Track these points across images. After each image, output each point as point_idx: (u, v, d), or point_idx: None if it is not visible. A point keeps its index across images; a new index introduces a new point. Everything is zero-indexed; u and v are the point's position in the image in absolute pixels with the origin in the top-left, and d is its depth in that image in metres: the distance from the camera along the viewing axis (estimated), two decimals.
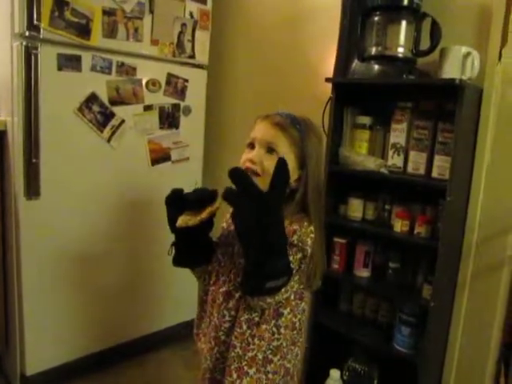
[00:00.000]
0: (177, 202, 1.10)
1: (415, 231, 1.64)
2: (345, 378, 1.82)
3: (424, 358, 1.59)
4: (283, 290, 1.04)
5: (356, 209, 1.80)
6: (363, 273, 1.81)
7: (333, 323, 1.87)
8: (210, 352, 1.17)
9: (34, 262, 1.88)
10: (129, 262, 2.22)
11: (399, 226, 1.67)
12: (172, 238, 1.16)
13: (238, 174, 0.90)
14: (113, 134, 2.02)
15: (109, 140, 2.01)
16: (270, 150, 1.10)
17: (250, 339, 1.10)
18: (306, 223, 1.08)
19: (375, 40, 1.65)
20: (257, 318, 1.10)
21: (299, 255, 1.04)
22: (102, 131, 1.99)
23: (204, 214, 1.03)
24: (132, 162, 2.12)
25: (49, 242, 1.92)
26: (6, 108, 1.83)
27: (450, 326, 1.73)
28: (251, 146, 1.13)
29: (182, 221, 1.06)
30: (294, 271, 1.02)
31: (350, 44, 1.72)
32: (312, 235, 1.07)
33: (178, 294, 2.43)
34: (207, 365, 1.18)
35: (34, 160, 1.78)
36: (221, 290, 1.15)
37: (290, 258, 1.01)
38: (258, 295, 0.99)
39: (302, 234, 1.05)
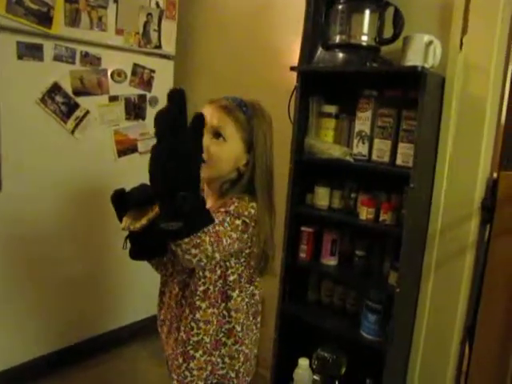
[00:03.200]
0: (121, 201, 1.08)
1: (380, 218, 1.65)
2: (314, 366, 1.83)
3: (390, 345, 1.60)
4: (229, 271, 1.09)
5: (322, 197, 1.81)
6: (330, 261, 1.82)
7: (301, 312, 1.87)
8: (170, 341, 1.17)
9: None
10: (93, 255, 2.19)
11: (365, 213, 1.68)
12: None
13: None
14: (77, 125, 1.99)
15: (73, 131, 1.98)
16: (217, 134, 1.09)
17: (192, 324, 1.11)
18: (246, 198, 1.09)
19: (339, 28, 1.65)
20: (198, 302, 1.10)
21: (238, 221, 1.03)
22: (65, 122, 1.95)
23: (144, 220, 1.00)
24: (98, 153, 2.09)
25: (10, 235, 1.88)
26: None
27: (415, 312, 1.75)
28: None
29: (125, 223, 1.04)
30: (229, 241, 0.99)
31: (315, 33, 1.72)
32: (252, 209, 1.07)
33: (145, 288, 2.39)
34: (168, 353, 1.19)
35: None
36: (175, 279, 1.16)
37: (226, 225, 1.00)
38: (162, 238, 0.95)
39: (241, 205, 1.05)
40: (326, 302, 1.91)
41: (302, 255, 1.85)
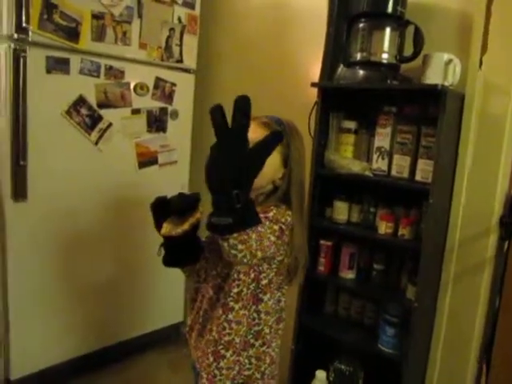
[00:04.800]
0: (161, 208, 1.14)
1: (399, 233, 1.67)
2: (331, 378, 1.84)
3: (408, 358, 1.61)
4: (262, 276, 1.14)
5: (341, 212, 1.83)
6: (348, 274, 1.84)
7: (318, 325, 1.89)
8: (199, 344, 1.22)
9: (20, 264, 1.89)
10: (116, 264, 2.22)
11: (383, 228, 1.70)
12: (160, 239, 1.18)
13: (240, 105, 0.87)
14: (100, 137, 2.03)
15: (96, 143, 2.02)
16: None
17: (225, 324, 1.15)
18: (283, 206, 1.15)
19: (360, 46, 1.69)
20: (232, 303, 1.14)
21: (276, 227, 1.08)
22: (89, 134, 2.00)
23: (186, 226, 1.06)
24: (119, 164, 2.13)
25: (35, 244, 1.92)
26: None
27: (433, 326, 1.76)
28: None
29: (166, 229, 1.10)
30: (267, 242, 1.03)
31: (336, 50, 1.76)
32: (289, 217, 1.12)
33: (165, 297, 2.44)
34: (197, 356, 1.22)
35: (21, 162, 1.79)
36: (210, 284, 1.20)
37: (266, 228, 1.04)
38: (212, 231, 0.95)
39: (278, 212, 1.11)
40: (344, 314, 1.93)
41: (321, 268, 1.87)
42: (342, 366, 1.85)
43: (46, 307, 2.00)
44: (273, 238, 1.06)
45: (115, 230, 2.18)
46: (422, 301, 1.61)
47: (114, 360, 2.27)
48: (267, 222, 1.07)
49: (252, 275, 1.15)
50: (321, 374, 1.82)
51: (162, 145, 2.27)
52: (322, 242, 1.88)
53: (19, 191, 1.81)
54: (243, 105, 0.85)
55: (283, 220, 1.11)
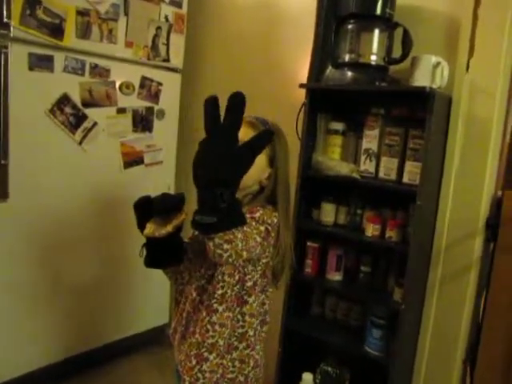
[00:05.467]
0: (145, 208, 1.11)
1: (386, 235, 1.67)
2: (317, 381, 1.83)
3: (395, 360, 1.61)
4: (247, 277, 1.13)
5: (328, 214, 1.82)
6: (335, 276, 1.83)
7: (305, 327, 1.88)
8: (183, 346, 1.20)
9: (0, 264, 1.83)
10: (99, 266, 2.19)
11: (370, 230, 1.70)
12: (143, 239, 1.15)
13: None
14: (85, 136, 2.00)
15: (80, 142, 1.99)
16: None
17: (208, 326, 1.14)
18: (269, 207, 1.15)
19: (349, 47, 1.69)
20: (216, 305, 1.13)
21: (262, 227, 1.07)
22: (73, 133, 1.96)
23: (169, 227, 1.04)
24: (104, 165, 2.10)
25: (15, 244, 1.88)
26: None
27: (419, 328, 1.76)
28: None
29: (149, 230, 1.07)
30: (253, 243, 1.02)
31: (324, 51, 1.75)
32: (275, 218, 1.12)
33: (150, 299, 2.41)
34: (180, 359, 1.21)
35: (2, 161, 1.74)
36: (193, 285, 1.18)
37: (252, 228, 1.04)
38: (196, 229, 0.93)
39: (265, 213, 1.11)
40: (330, 316, 1.93)
41: (308, 270, 1.86)
42: (329, 368, 1.84)
43: (27, 309, 1.96)
44: (259, 239, 1.05)
45: (99, 231, 2.14)
46: (409, 303, 1.61)
47: (99, 363, 2.24)
48: (253, 223, 1.06)
49: (237, 277, 1.14)
50: (307, 377, 1.82)
51: (147, 145, 2.24)
52: (308, 243, 1.87)
53: (0, 191, 1.77)
54: (238, 102, 0.84)
55: (269, 221, 1.10)
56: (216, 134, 0.85)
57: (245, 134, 1.14)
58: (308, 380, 1.81)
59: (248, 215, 1.08)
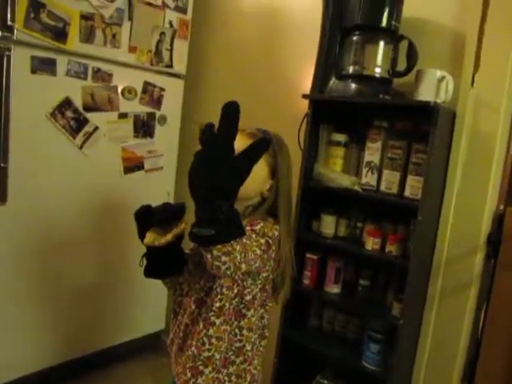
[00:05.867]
0: (145, 217, 1.10)
1: (386, 249, 1.66)
2: None
3: (392, 376, 1.60)
4: (246, 291, 1.12)
5: (328, 226, 1.81)
6: (334, 289, 1.82)
7: (302, 338, 1.86)
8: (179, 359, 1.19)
9: None
10: (97, 271, 2.18)
11: (370, 243, 1.68)
12: (143, 248, 1.14)
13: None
14: (85, 140, 1.99)
15: (81, 147, 1.98)
16: None
17: (205, 339, 1.12)
18: (270, 220, 1.14)
19: (353, 59, 1.68)
20: (213, 318, 1.12)
21: (262, 240, 1.06)
22: (74, 138, 1.95)
23: (169, 236, 1.03)
24: (105, 170, 2.09)
25: (12, 248, 1.86)
26: None
27: (417, 343, 1.74)
28: None
29: (149, 239, 1.06)
30: (252, 255, 1.01)
31: (328, 62, 1.74)
32: (276, 231, 1.11)
33: (146, 305, 2.39)
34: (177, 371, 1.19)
35: (1, 164, 1.74)
36: (193, 297, 1.17)
37: (252, 241, 1.03)
38: (194, 241, 0.92)
39: (266, 226, 1.10)
40: (328, 329, 1.91)
41: (306, 282, 1.85)
42: (325, 381, 1.83)
43: (24, 313, 1.95)
44: (258, 252, 1.04)
45: (98, 236, 2.13)
46: (408, 318, 1.60)
47: (94, 368, 2.23)
48: (254, 235, 1.05)
49: (235, 290, 1.12)
50: None
51: (148, 150, 2.23)
52: (308, 255, 1.85)
53: None
54: (231, 112, 0.82)
55: (270, 234, 1.09)
56: (211, 144, 0.83)
57: (246, 144, 1.14)
58: None
59: (248, 228, 1.07)
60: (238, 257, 0.93)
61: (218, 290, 1.12)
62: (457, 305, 1.66)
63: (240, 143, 1.11)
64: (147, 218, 1.09)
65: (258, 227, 1.08)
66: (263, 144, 0.90)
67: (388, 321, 1.66)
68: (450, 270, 1.67)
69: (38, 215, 1.90)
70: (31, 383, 2.01)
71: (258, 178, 1.14)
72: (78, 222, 2.04)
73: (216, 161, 0.83)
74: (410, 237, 1.64)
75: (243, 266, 0.97)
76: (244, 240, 0.98)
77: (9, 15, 1.65)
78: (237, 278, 1.10)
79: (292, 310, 1.86)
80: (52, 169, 1.91)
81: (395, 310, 1.65)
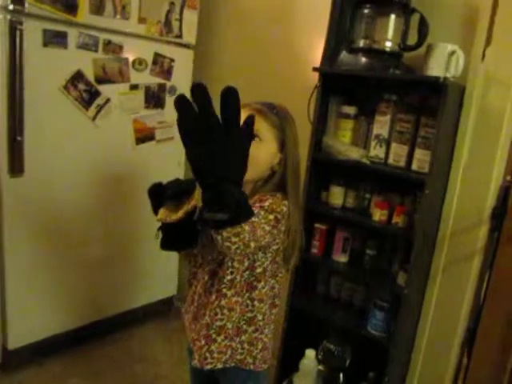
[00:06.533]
0: (157, 193, 1.13)
1: (393, 221, 1.70)
2: (319, 357, 1.90)
3: (395, 342, 1.67)
4: (257, 264, 1.15)
5: (337, 196, 1.85)
6: (341, 258, 1.88)
7: (309, 305, 1.94)
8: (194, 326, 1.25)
9: (17, 237, 1.90)
10: (110, 239, 2.24)
11: (378, 215, 1.73)
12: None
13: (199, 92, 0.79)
14: (98, 112, 2.01)
15: (94, 118, 2.01)
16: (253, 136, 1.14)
17: (217, 309, 1.17)
18: (279, 195, 1.15)
19: (364, 32, 1.67)
20: (225, 290, 1.16)
21: (271, 216, 1.08)
22: (87, 109, 1.98)
23: (180, 213, 1.05)
24: (117, 140, 2.12)
25: (31, 217, 1.93)
26: None
27: (420, 312, 1.81)
28: None
29: (162, 215, 1.09)
30: (261, 232, 1.03)
31: (339, 35, 1.73)
32: (284, 207, 1.13)
33: (158, 272, 2.47)
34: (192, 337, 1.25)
35: (18, 138, 1.77)
36: (206, 269, 1.21)
37: (260, 218, 1.05)
38: (204, 225, 0.96)
39: (274, 202, 1.11)
40: (335, 296, 1.98)
41: (314, 251, 1.90)
42: (331, 346, 1.90)
43: (42, 280, 2.03)
44: (267, 228, 1.07)
45: (111, 205, 2.19)
46: (412, 287, 1.66)
47: (110, 332, 2.34)
48: (262, 212, 1.07)
49: (246, 263, 1.16)
50: (310, 353, 1.88)
51: (159, 121, 2.25)
52: (316, 225, 1.90)
53: (16, 166, 1.80)
54: (233, 98, 0.80)
55: (279, 209, 1.11)
56: (217, 131, 0.80)
57: (256, 121, 1.14)
58: (311, 356, 1.88)
59: (257, 204, 1.10)
60: (247, 236, 0.96)
61: (229, 263, 1.15)
62: (460, 275, 1.72)
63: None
64: (159, 194, 1.12)
65: (266, 204, 1.10)
66: (251, 121, 0.87)
67: (393, 290, 1.72)
68: (455, 242, 1.71)
69: (54, 186, 1.96)
70: (57, 342, 2.14)
71: (268, 153, 1.17)
72: (93, 191, 2.09)
73: (225, 151, 0.82)
74: (417, 209, 1.68)
75: (252, 244, 0.99)
76: (253, 218, 0.99)
77: None
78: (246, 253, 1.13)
79: (300, 278, 1.93)
80: (66, 140, 1.95)
81: (400, 279, 1.71)
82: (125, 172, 2.18)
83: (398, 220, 1.69)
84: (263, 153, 1.17)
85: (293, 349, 1.94)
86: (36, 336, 2.06)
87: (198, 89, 0.78)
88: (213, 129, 0.80)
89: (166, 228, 1.15)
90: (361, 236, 1.89)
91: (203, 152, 0.81)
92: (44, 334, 2.09)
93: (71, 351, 2.17)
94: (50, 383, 2.01)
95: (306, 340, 1.94)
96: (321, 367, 1.90)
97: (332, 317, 1.88)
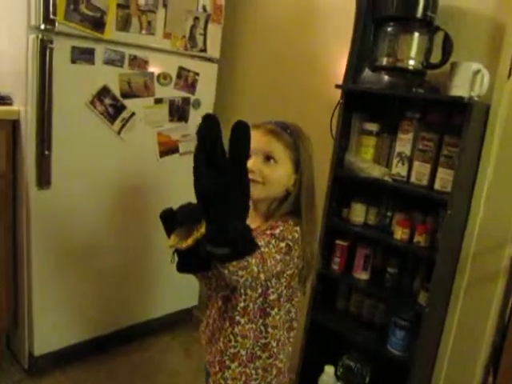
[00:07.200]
0: (169, 219, 1.10)
1: (415, 240, 1.69)
2: (338, 374, 1.90)
3: (416, 362, 1.65)
4: (270, 291, 1.14)
5: (358, 213, 1.85)
6: (362, 275, 1.86)
7: (329, 321, 1.93)
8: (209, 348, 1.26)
9: (43, 247, 1.95)
10: (133, 249, 2.28)
11: (399, 233, 1.71)
12: None
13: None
14: (123, 126, 2.05)
15: (119, 132, 2.05)
16: (268, 158, 1.15)
17: (231, 336, 1.17)
18: (291, 222, 1.14)
19: (387, 50, 1.67)
20: (238, 317, 1.16)
21: (282, 244, 1.07)
22: (112, 123, 2.02)
23: (190, 241, 1.00)
24: (141, 153, 2.16)
25: (58, 228, 1.98)
26: (20, 98, 1.85)
27: (442, 332, 1.79)
28: None
29: (172, 242, 1.07)
30: (272, 262, 1.02)
31: (362, 52, 1.73)
32: (296, 233, 1.12)
33: (179, 283, 2.49)
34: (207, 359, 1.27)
35: (46, 152, 1.82)
36: (219, 294, 1.22)
37: (271, 247, 1.04)
38: (208, 257, 0.93)
39: (285, 229, 1.11)
40: (355, 312, 1.97)
41: (335, 267, 1.90)
42: (351, 363, 1.90)
43: (67, 289, 2.08)
44: (278, 257, 1.06)
45: (135, 218, 2.23)
46: (434, 307, 1.64)
47: (129, 341, 2.37)
48: (273, 241, 1.06)
49: (259, 290, 1.15)
50: (329, 369, 1.88)
51: (183, 134, 2.28)
52: (337, 241, 1.90)
53: (43, 179, 1.85)
54: (243, 134, 0.78)
55: (290, 237, 1.10)
56: (226, 170, 0.79)
57: (270, 142, 1.16)
58: (330, 373, 1.87)
59: (268, 232, 1.09)
60: (255, 269, 0.95)
61: (242, 290, 1.15)
62: (483, 296, 1.69)
63: (259, 142, 1.13)
64: (171, 219, 1.09)
65: (277, 231, 1.09)
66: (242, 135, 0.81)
67: (414, 309, 1.70)
68: (478, 263, 1.69)
69: (80, 198, 2.00)
70: (80, 350, 2.18)
71: (283, 175, 1.17)
72: (118, 202, 2.14)
73: (233, 188, 0.80)
74: (439, 229, 1.66)
75: (262, 275, 0.99)
76: (262, 248, 1.00)
77: (51, 8, 1.69)
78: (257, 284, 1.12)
79: (320, 294, 1.93)
80: (92, 154, 2.00)
81: (421, 298, 1.69)
82: (149, 183, 2.22)
83: (420, 239, 1.68)
84: (278, 174, 1.17)
85: (312, 364, 1.94)
86: (60, 343, 2.11)
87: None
88: (224, 167, 0.79)
89: (179, 253, 1.17)
90: (382, 253, 1.88)
91: (214, 186, 0.79)
92: (67, 341, 2.14)
93: (93, 359, 2.21)
94: None
95: (325, 356, 1.94)
96: None
97: (352, 334, 1.87)
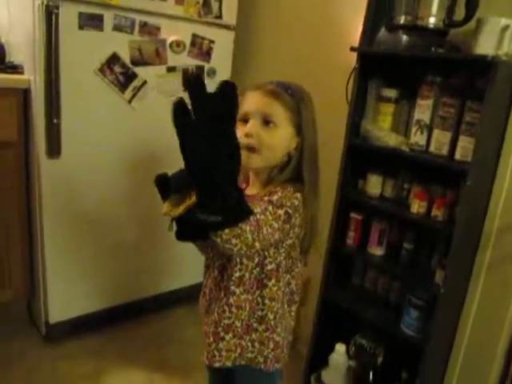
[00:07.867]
0: (164, 185, 1.07)
1: (432, 213, 1.57)
2: (350, 353, 1.82)
3: (430, 343, 1.55)
4: (267, 261, 1.09)
5: (374, 185, 1.74)
6: (377, 251, 1.77)
7: (343, 297, 1.85)
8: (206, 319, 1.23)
9: (55, 216, 1.96)
10: (145, 222, 2.26)
11: (416, 206, 1.60)
12: None
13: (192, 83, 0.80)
14: (134, 95, 2.01)
15: (130, 101, 2.01)
16: (266, 121, 1.08)
17: (225, 307, 1.13)
18: (290, 188, 1.07)
19: (405, 8, 1.53)
20: (233, 287, 1.11)
21: (280, 211, 1.02)
22: (123, 92, 1.98)
23: (181, 209, 0.97)
24: (153, 123, 2.11)
25: (69, 198, 1.98)
26: (30, 67, 1.84)
27: (460, 314, 1.67)
28: (244, 121, 1.09)
29: (166, 209, 1.04)
30: (269, 230, 0.97)
31: (379, 11, 1.60)
32: (296, 200, 1.05)
33: (191, 257, 2.47)
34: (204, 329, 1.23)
35: (55, 120, 1.81)
36: (216, 263, 1.17)
37: (268, 214, 0.98)
38: (199, 226, 0.90)
39: (284, 196, 1.04)
40: (370, 289, 1.88)
41: (349, 241, 1.81)
42: (364, 341, 1.82)
43: (81, 259, 2.09)
44: (276, 225, 1.00)
45: (147, 188, 2.18)
46: (450, 287, 1.53)
47: (146, 312, 2.38)
48: (270, 207, 1.01)
49: (256, 260, 1.10)
50: (341, 348, 1.82)
51: None
52: (352, 214, 1.81)
53: (53, 148, 1.85)
54: (230, 93, 0.78)
55: (289, 203, 1.04)
56: (213, 131, 0.77)
57: (269, 104, 1.08)
58: (341, 351, 1.81)
59: (266, 198, 1.04)
60: (250, 237, 0.91)
61: (238, 259, 1.10)
62: (506, 276, 1.56)
63: (261, 102, 1.07)
64: (165, 185, 1.07)
65: (275, 197, 1.03)
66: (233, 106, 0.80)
67: (430, 288, 1.60)
68: (502, 239, 1.56)
69: (90, 167, 1.99)
70: (95, 320, 2.21)
71: (283, 139, 1.10)
72: (128, 173, 2.11)
73: (221, 151, 0.78)
74: (459, 202, 1.54)
75: (257, 244, 0.94)
76: (258, 216, 0.94)
77: None
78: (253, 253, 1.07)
79: (334, 270, 1.85)
80: (102, 123, 1.97)
81: (438, 277, 1.58)
82: (162, 154, 2.17)
83: (438, 213, 1.56)
84: (278, 139, 1.09)
85: (323, 342, 1.87)
86: (75, 312, 2.14)
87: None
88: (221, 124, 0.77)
89: (177, 220, 1.12)
90: (398, 228, 1.77)
91: (205, 147, 0.77)
92: (82, 310, 2.16)
93: (108, 329, 2.24)
94: (89, 357, 2.07)
95: (337, 333, 1.87)
96: (351, 363, 1.82)
97: (366, 312, 1.78)
